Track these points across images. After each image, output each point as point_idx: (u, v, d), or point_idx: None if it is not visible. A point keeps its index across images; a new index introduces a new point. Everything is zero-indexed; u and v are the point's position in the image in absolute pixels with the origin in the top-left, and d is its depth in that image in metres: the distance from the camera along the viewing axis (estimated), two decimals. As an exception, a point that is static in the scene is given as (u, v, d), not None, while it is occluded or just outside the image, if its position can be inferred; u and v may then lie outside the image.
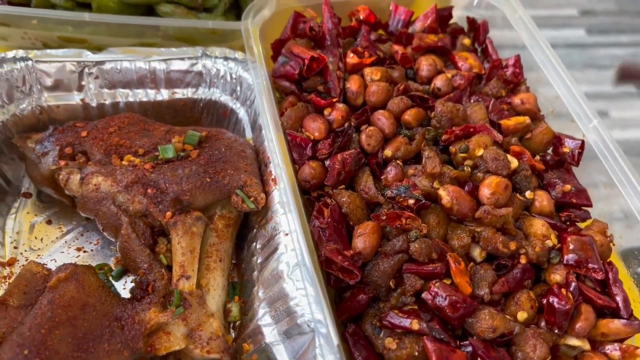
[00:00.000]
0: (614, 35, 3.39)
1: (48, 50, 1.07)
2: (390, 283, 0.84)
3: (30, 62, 1.05)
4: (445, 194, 0.86)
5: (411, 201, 0.87)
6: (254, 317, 0.88)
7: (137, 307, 0.84)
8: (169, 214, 0.90)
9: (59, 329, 0.76)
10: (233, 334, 0.92)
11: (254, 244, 0.95)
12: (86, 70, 1.08)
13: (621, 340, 0.84)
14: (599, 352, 0.83)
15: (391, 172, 0.92)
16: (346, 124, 0.98)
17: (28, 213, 1.05)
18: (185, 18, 1.19)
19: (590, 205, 0.94)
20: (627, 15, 3.50)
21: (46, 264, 0.90)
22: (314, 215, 0.88)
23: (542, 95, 1.10)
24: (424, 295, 0.81)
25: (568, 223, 0.93)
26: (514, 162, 0.92)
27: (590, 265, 0.83)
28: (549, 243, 0.85)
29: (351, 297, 0.85)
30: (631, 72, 0.85)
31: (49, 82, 1.07)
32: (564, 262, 0.84)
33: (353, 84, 1.03)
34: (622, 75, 0.88)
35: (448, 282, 0.83)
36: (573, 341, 0.82)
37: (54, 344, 0.75)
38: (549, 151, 1.03)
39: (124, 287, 0.96)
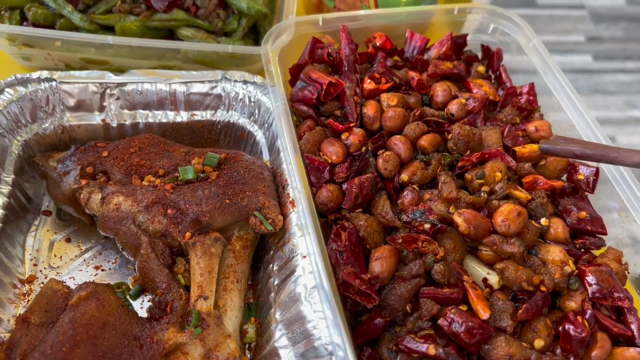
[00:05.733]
0: (620, 62, 3.43)
1: (72, 72, 1.09)
2: (407, 307, 0.85)
3: (54, 83, 1.08)
4: (462, 221, 0.87)
5: (427, 225, 0.88)
6: (271, 339, 0.88)
7: (155, 326, 0.85)
8: (188, 234, 0.91)
9: (80, 347, 0.77)
10: (249, 355, 0.93)
11: (271, 265, 0.96)
12: (108, 91, 1.10)
13: (637, 369, 0.84)
14: (614, 380, 0.83)
15: (407, 196, 0.94)
16: (363, 149, 1.00)
17: (48, 231, 1.06)
18: (205, 42, 1.22)
19: (605, 233, 0.95)
20: (633, 42, 3.54)
21: (65, 282, 0.91)
22: (331, 238, 0.89)
23: (553, 119, 1.12)
24: (440, 321, 0.82)
25: (583, 250, 0.94)
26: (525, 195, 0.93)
27: (615, 295, 0.83)
28: (568, 269, 0.85)
29: (368, 320, 0.86)
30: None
31: (71, 102, 1.10)
32: (589, 296, 0.85)
33: (370, 109, 1.04)
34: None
35: (464, 308, 0.84)
36: (589, 369, 0.83)
37: (75, 362, 0.75)
38: (563, 178, 1.04)
39: (141, 307, 0.97)
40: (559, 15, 3.66)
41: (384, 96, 1.07)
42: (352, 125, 1.03)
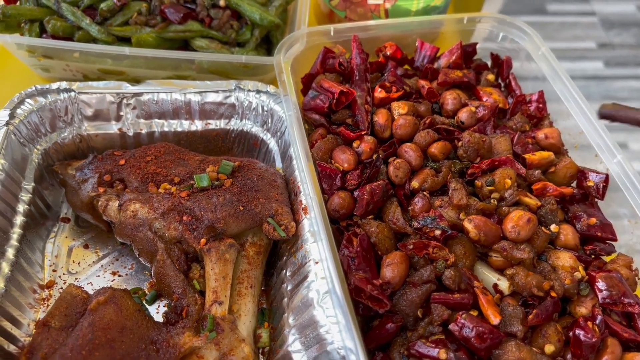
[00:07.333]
0: (631, 68, 3.42)
1: (90, 82, 1.12)
2: (418, 312, 0.86)
3: (73, 93, 1.10)
4: (472, 227, 0.88)
5: (438, 232, 0.90)
6: (284, 343, 0.90)
7: (171, 330, 0.87)
8: (203, 240, 0.93)
9: (98, 350, 0.79)
10: (262, 359, 0.95)
11: (284, 271, 0.98)
12: (124, 101, 1.13)
13: (648, 375, 0.84)
14: (625, 385, 0.83)
15: (418, 203, 0.95)
16: (374, 156, 1.02)
17: (66, 237, 1.09)
18: (219, 52, 1.24)
19: (615, 240, 0.95)
20: (645, 49, 3.53)
21: (83, 287, 0.94)
22: (343, 245, 0.91)
23: (563, 126, 1.13)
24: (451, 326, 0.83)
25: (593, 256, 0.94)
26: (535, 202, 0.94)
27: (626, 301, 0.84)
28: (578, 275, 0.86)
29: (379, 325, 0.87)
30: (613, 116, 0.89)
31: (89, 112, 1.12)
32: (600, 301, 0.85)
33: (381, 117, 1.06)
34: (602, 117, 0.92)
35: (475, 313, 0.85)
36: (600, 374, 0.83)
37: (94, 365, 0.78)
38: (573, 184, 1.05)
39: (157, 312, 0.99)
40: (569, 22, 3.67)
41: (394, 104, 1.08)
42: (363, 133, 1.04)
